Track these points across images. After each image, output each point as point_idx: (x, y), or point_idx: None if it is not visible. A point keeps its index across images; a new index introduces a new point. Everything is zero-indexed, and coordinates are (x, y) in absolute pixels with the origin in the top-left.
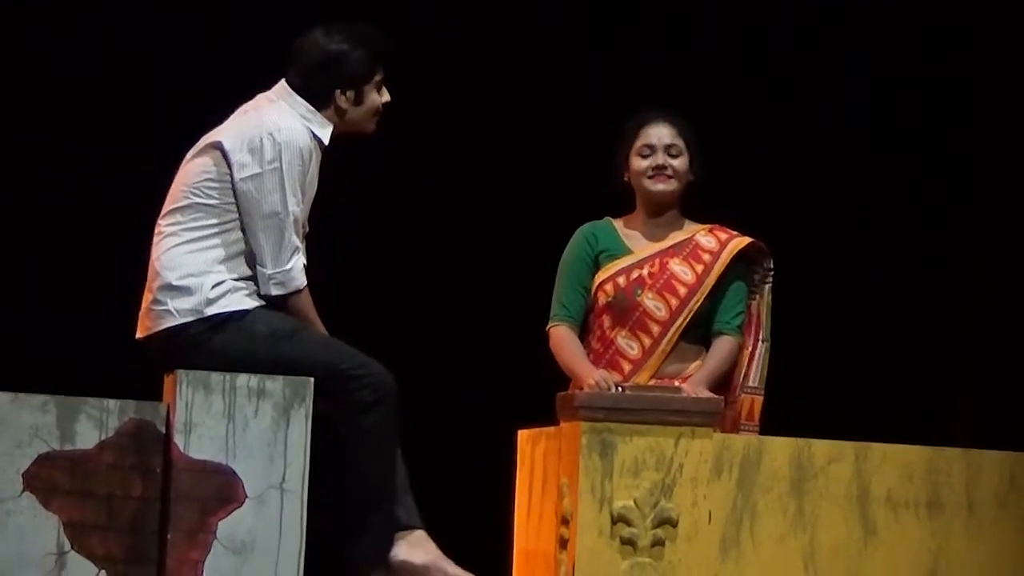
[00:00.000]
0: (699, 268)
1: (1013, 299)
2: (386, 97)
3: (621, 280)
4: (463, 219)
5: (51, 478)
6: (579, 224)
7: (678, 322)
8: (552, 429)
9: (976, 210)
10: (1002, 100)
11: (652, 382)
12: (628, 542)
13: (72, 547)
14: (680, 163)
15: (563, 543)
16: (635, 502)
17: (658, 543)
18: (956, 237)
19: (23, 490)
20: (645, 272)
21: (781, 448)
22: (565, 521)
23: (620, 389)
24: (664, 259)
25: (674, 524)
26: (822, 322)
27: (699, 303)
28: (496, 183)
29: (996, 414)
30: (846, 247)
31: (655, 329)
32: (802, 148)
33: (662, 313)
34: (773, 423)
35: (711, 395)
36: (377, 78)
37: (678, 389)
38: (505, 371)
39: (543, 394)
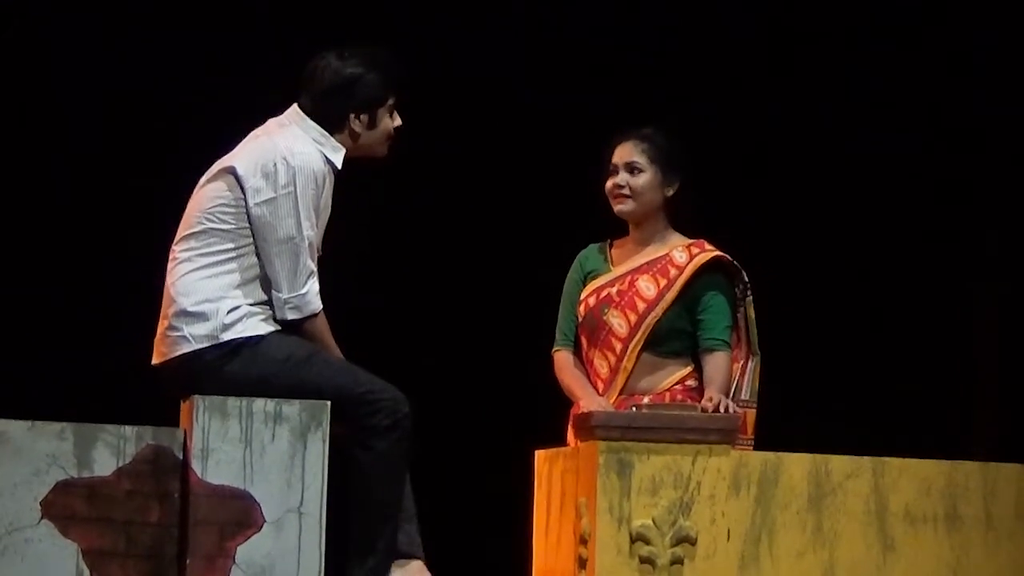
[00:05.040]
0: (663, 283)
1: None
2: (398, 121)
3: (592, 300)
4: (477, 239)
5: (69, 505)
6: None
7: (636, 338)
8: (569, 448)
9: (986, 213)
10: (1005, 101)
11: (620, 399)
12: (647, 561)
13: (91, 575)
14: (640, 181)
15: (582, 563)
16: (653, 521)
17: (677, 561)
18: (966, 245)
19: (41, 518)
20: (614, 290)
21: (799, 464)
22: (583, 540)
23: (635, 408)
24: (634, 276)
25: (693, 542)
26: (837, 338)
27: (657, 318)
28: (511, 202)
29: (1013, 427)
30: (860, 262)
31: (618, 347)
32: (811, 162)
33: (623, 330)
34: (790, 439)
35: (735, 408)
36: (390, 102)
37: (694, 407)
38: (522, 391)
39: (561, 414)
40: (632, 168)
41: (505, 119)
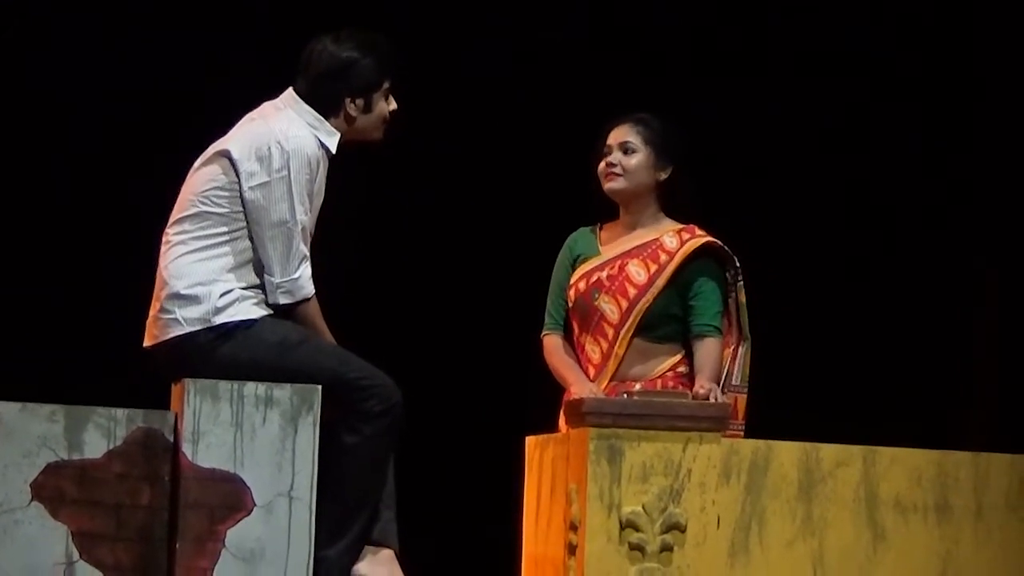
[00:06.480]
0: (653, 268)
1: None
2: (393, 105)
3: (582, 284)
4: (468, 227)
5: (59, 487)
6: None
7: (627, 324)
8: (560, 435)
9: (984, 213)
10: (1006, 101)
11: (611, 385)
12: (637, 548)
13: (81, 556)
14: (633, 161)
15: (572, 549)
16: (643, 507)
17: (667, 548)
18: (965, 240)
19: (31, 500)
20: (604, 275)
21: (789, 453)
22: (574, 527)
23: (626, 395)
24: (624, 261)
25: (682, 529)
26: (831, 327)
27: (648, 303)
28: (501, 190)
29: (1007, 417)
30: (857, 252)
31: (610, 332)
32: (808, 159)
33: (615, 316)
34: (781, 427)
35: (724, 400)
36: (386, 86)
37: (685, 394)
38: (513, 378)
39: (552, 400)
40: (626, 148)
41: (501, 117)
